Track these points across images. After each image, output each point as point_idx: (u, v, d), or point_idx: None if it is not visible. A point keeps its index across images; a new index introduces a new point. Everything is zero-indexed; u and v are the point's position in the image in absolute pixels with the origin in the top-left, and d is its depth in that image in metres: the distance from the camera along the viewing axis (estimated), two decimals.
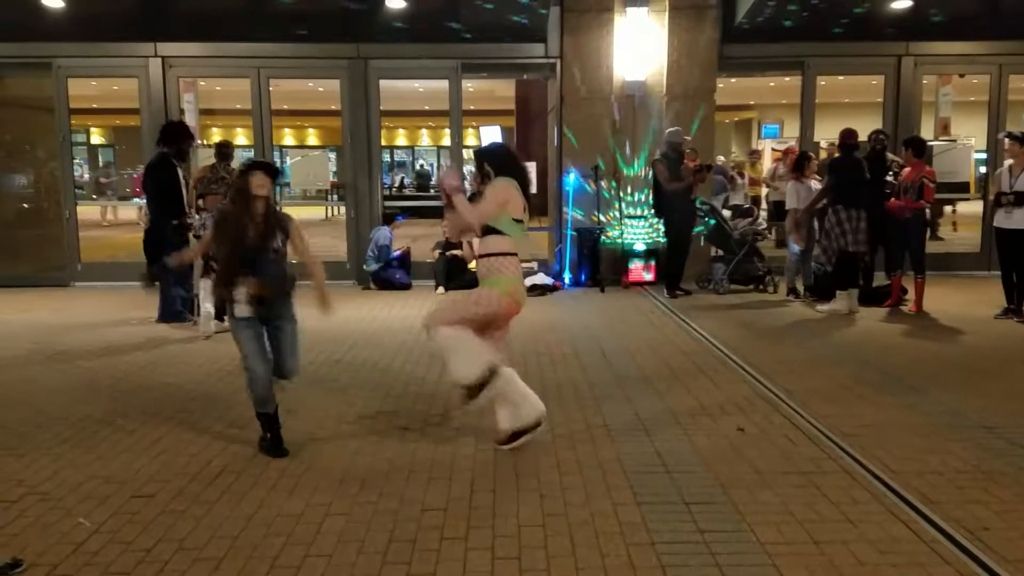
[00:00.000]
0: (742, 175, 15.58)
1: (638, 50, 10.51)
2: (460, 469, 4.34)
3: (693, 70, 10.63)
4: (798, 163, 9.66)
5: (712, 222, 10.23)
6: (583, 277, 10.78)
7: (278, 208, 4.93)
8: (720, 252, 10.51)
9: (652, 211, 10.45)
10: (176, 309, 8.40)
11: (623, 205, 10.74)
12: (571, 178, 10.78)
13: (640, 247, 10.69)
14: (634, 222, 10.75)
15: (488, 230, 4.56)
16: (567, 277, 10.89)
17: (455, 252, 10.33)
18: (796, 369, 6.42)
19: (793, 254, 9.67)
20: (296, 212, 17.65)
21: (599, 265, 10.67)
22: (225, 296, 4.56)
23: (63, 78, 10.88)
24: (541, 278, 10.64)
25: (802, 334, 7.84)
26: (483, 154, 4.81)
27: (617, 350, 7.13)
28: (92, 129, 28.75)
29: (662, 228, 10.30)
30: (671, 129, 9.96)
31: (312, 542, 3.52)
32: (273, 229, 4.57)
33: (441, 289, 10.41)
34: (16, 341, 7.61)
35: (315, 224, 20.75)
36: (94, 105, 20.88)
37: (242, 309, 4.52)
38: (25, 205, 12.14)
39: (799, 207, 9.28)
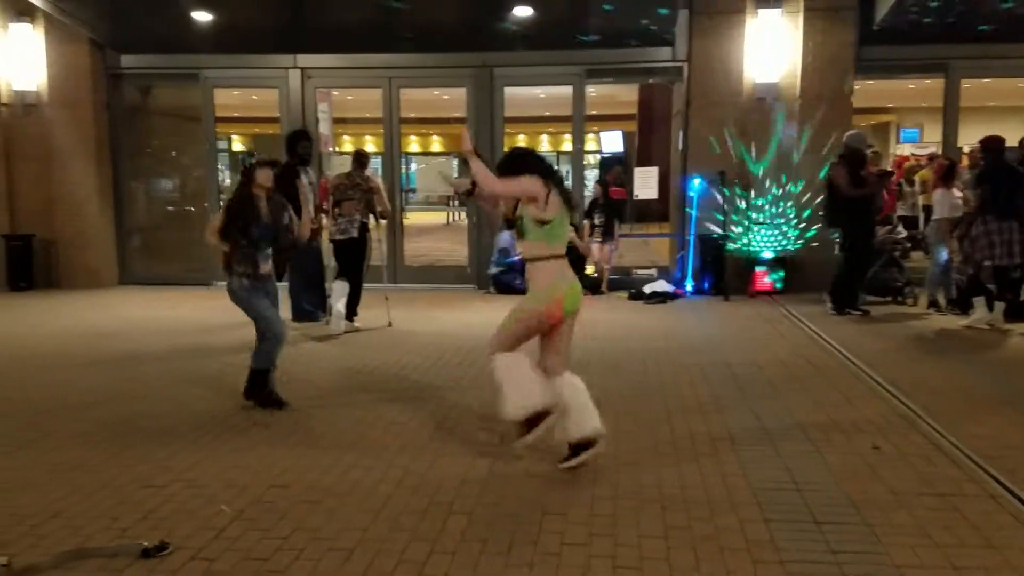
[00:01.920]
0: (912, 182, 14.24)
1: (770, 52, 10.23)
2: (581, 476, 4.33)
3: (828, 73, 10.25)
4: (948, 172, 9.14)
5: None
6: (706, 285, 10.57)
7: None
8: None
9: (826, 220, 9.58)
10: (306, 309, 8.75)
11: (751, 211, 10.46)
12: (695, 183, 10.58)
13: (768, 255, 10.38)
14: (762, 229, 10.45)
15: (520, 234, 4.42)
16: (689, 285, 10.69)
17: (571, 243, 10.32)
18: (936, 386, 6.08)
19: (937, 265, 9.17)
20: (419, 217, 18.11)
21: (723, 273, 10.42)
22: (247, 270, 5.41)
23: (210, 88, 11.57)
24: (662, 285, 10.49)
25: (943, 349, 7.41)
26: (506, 159, 4.60)
27: (742, 361, 6.94)
28: (233, 137, 30.40)
29: (837, 238, 9.43)
30: (852, 132, 9.41)
31: (436, 539, 3.59)
32: (279, 210, 5.58)
33: None
34: (162, 337, 8.13)
35: (436, 229, 21.25)
36: (235, 114, 22.07)
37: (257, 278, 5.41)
38: (171, 208, 12.95)
39: (945, 216, 8.84)
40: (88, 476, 4.34)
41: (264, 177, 5.51)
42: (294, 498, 4.04)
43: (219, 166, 14.27)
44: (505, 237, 10.90)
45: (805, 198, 10.38)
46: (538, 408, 4.26)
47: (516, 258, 10.92)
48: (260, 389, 5.58)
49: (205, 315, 9.35)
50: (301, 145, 8.56)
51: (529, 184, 4.30)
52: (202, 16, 10.49)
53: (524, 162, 4.46)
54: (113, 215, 11.58)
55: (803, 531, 3.65)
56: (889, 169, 10.06)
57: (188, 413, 5.52)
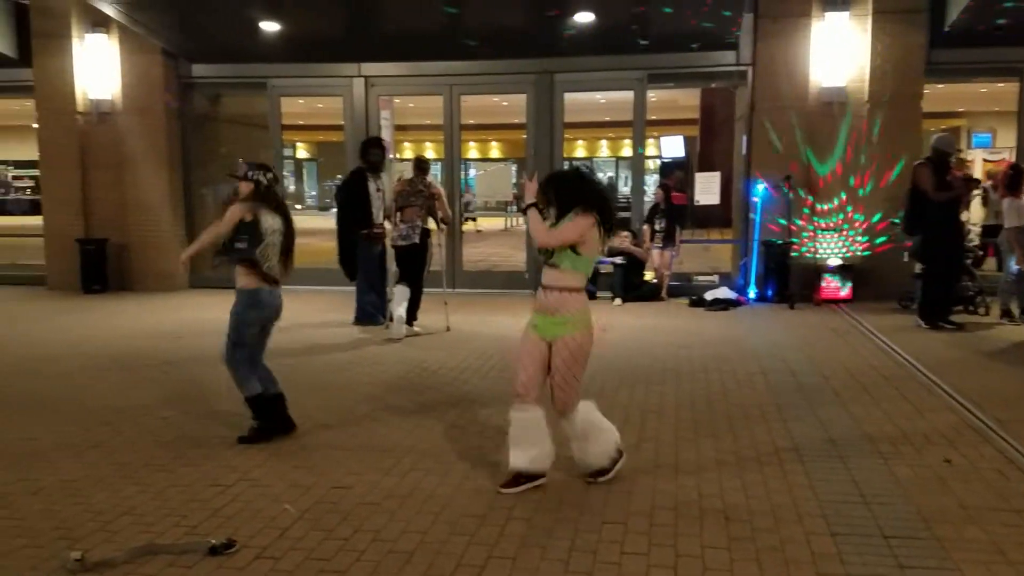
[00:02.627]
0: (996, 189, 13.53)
1: (837, 56, 10.01)
2: (641, 485, 4.28)
3: (898, 76, 9.99)
4: (1013, 180, 8.80)
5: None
6: (770, 292, 10.37)
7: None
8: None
9: (904, 226, 9.09)
10: (369, 312, 8.88)
11: (816, 217, 10.24)
12: (759, 188, 10.41)
13: (835, 261, 10.15)
14: (829, 235, 10.22)
15: (553, 264, 4.21)
16: (752, 292, 10.51)
17: (628, 250, 10.27)
18: (1009, 398, 5.85)
19: (1010, 274, 8.84)
20: (484, 222, 18.08)
21: (788, 280, 10.22)
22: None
23: (276, 97, 11.82)
24: (724, 292, 10.34)
25: (1016, 360, 7.14)
26: (549, 181, 4.36)
27: (808, 371, 6.79)
28: (297, 144, 31.06)
29: (916, 244, 8.94)
30: (939, 135, 9.06)
31: (495, 544, 3.60)
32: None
33: (619, 300, 10.37)
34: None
35: (494, 234, 21.34)
36: (300, 121, 22.55)
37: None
38: None
39: (1015, 225, 8.52)
40: (157, 474, 4.47)
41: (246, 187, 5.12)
42: (356, 499, 4.10)
43: (284, 173, 14.61)
44: None
45: (873, 203, 10.12)
46: (618, 448, 4.37)
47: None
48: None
49: None
50: (372, 153, 8.71)
51: (584, 228, 4.13)
52: (270, 26, 10.73)
53: (580, 194, 4.22)
54: (183, 220, 11.91)
55: (870, 545, 3.55)
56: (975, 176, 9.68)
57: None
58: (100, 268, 11.38)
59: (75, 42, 11.23)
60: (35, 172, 13.09)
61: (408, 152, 25.26)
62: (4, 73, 11.82)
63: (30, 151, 13.72)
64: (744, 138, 10.83)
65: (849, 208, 10.18)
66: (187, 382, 6.54)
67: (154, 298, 10.95)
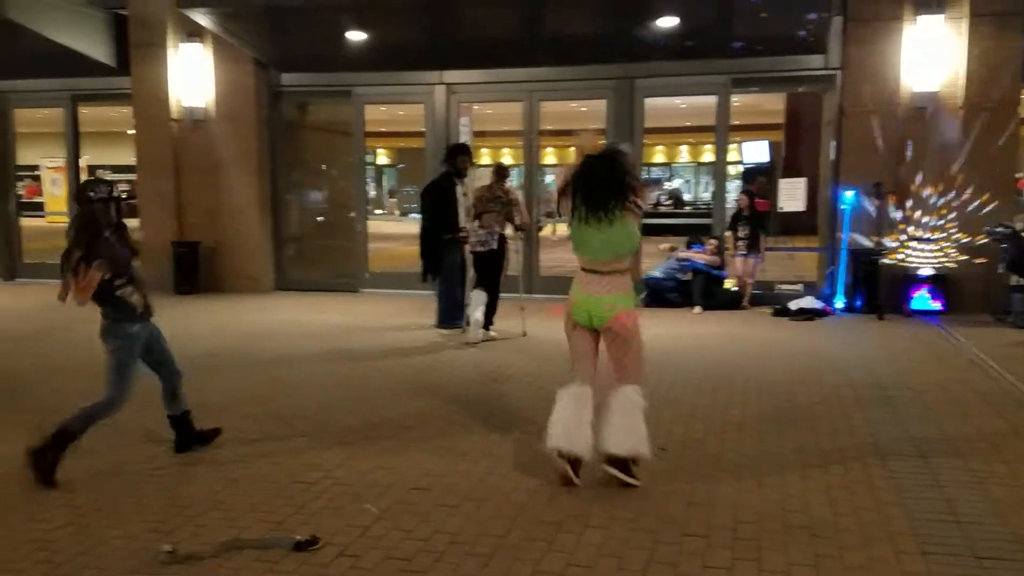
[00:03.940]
0: None
1: (930, 60, 9.65)
2: (722, 498, 4.20)
3: (994, 81, 9.56)
4: None
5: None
6: (858, 302, 10.04)
7: None
8: (1022, 281, 9.31)
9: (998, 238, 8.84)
10: (452, 315, 8.96)
11: (908, 225, 9.88)
12: (848, 195, 10.10)
13: (926, 271, 9.76)
14: (921, 244, 9.84)
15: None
16: (839, 302, 10.20)
17: (699, 259, 10.12)
18: None
19: None
20: (550, 228, 18.22)
21: (877, 290, 9.87)
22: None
23: (361, 104, 12.07)
24: (809, 301, 10.06)
25: None
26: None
27: (897, 384, 6.55)
28: (378, 150, 31.59)
29: (1012, 255, 8.65)
30: None
31: (572, 551, 3.58)
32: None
33: (698, 308, 10.21)
34: (312, 340, 8.52)
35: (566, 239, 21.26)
36: (381, 128, 22.94)
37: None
38: (320, 219, 13.57)
39: None
40: (244, 470, 4.60)
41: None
42: (433, 501, 4.14)
43: (366, 179, 14.89)
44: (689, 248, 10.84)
45: (966, 212, 9.70)
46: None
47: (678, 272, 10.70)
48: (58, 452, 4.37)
49: (352, 320, 9.73)
50: (460, 159, 8.81)
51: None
52: (355, 36, 10.97)
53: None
54: (271, 224, 12.26)
55: (962, 566, 3.41)
56: None
57: (335, 413, 5.75)
58: (192, 270, 11.79)
59: (171, 51, 11.69)
60: (131, 176, 13.65)
61: (485, 158, 25.44)
62: (103, 81, 12.36)
63: (126, 156, 14.35)
64: (832, 143, 10.53)
65: (941, 216, 9.79)
66: (272, 381, 6.71)
67: (241, 299, 11.30)
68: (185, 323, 9.48)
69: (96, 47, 11.72)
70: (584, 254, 4.40)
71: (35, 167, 23.59)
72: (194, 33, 11.54)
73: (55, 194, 21.30)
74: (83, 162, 14.64)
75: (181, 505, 4.10)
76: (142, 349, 4.61)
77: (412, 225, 10.32)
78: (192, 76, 11.74)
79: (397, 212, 22.57)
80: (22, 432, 4.66)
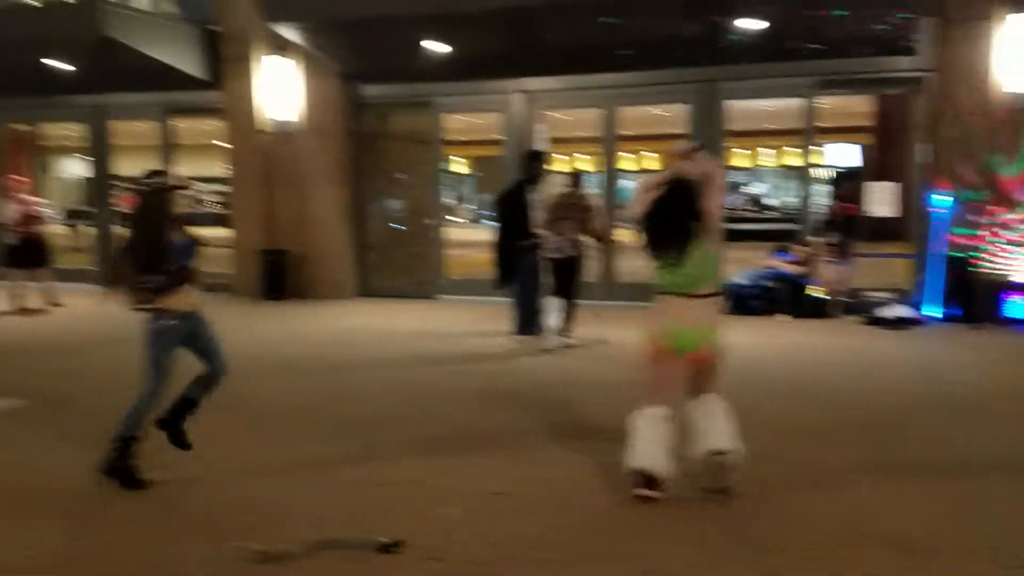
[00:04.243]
0: None
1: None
2: (804, 509, 4.08)
3: None
4: None
5: None
6: (952, 311, 9.64)
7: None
8: None
9: None
10: (528, 323, 8.96)
11: (1005, 230, 9.44)
12: (940, 199, 9.71)
13: (1022, 279, 9.30)
14: (1018, 250, 9.39)
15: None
16: (932, 310, 9.80)
17: (787, 269, 9.85)
18: None
19: None
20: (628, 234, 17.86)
21: (972, 298, 9.45)
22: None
23: (440, 114, 12.23)
24: (901, 310, 9.70)
25: None
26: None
27: (996, 395, 6.27)
28: (453, 158, 31.94)
29: None
30: None
31: (652, 562, 3.53)
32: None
33: (785, 316, 9.95)
34: (391, 345, 8.64)
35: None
36: (459, 137, 23.18)
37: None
38: (398, 226, 13.77)
39: None
40: (329, 472, 4.70)
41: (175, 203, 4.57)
42: (514, 507, 4.15)
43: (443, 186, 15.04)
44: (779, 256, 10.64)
45: None
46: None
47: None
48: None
49: (430, 326, 9.84)
50: (533, 166, 8.84)
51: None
52: (434, 46, 11.11)
53: None
54: (353, 232, 12.52)
55: None
56: None
57: (415, 418, 5.82)
58: (280, 277, 12.12)
59: (259, 65, 12.06)
60: (220, 187, 14.11)
61: (561, 165, 25.42)
62: (196, 95, 12.82)
63: (215, 167, 14.83)
64: (923, 146, 10.15)
65: None
66: (354, 384, 6.83)
67: (325, 305, 11.54)
68: (272, 328, 9.77)
69: (189, 62, 12.18)
70: (669, 285, 4.33)
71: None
72: (282, 47, 11.87)
73: None
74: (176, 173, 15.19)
75: (272, 504, 4.20)
76: (181, 341, 4.47)
77: (487, 232, 10.36)
78: (280, 89, 12.08)
79: (466, 218, 22.79)
80: None
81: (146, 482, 4.36)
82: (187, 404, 4.62)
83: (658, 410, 4.27)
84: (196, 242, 4.64)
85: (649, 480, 4.15)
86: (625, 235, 12.70)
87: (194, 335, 4.52)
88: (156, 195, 4.41)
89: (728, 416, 4.25)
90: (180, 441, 4.62)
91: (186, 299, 4.45)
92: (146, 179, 4.48)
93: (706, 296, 4.26)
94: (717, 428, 4.20)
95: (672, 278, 4.28)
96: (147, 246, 4.32)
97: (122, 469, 4.33)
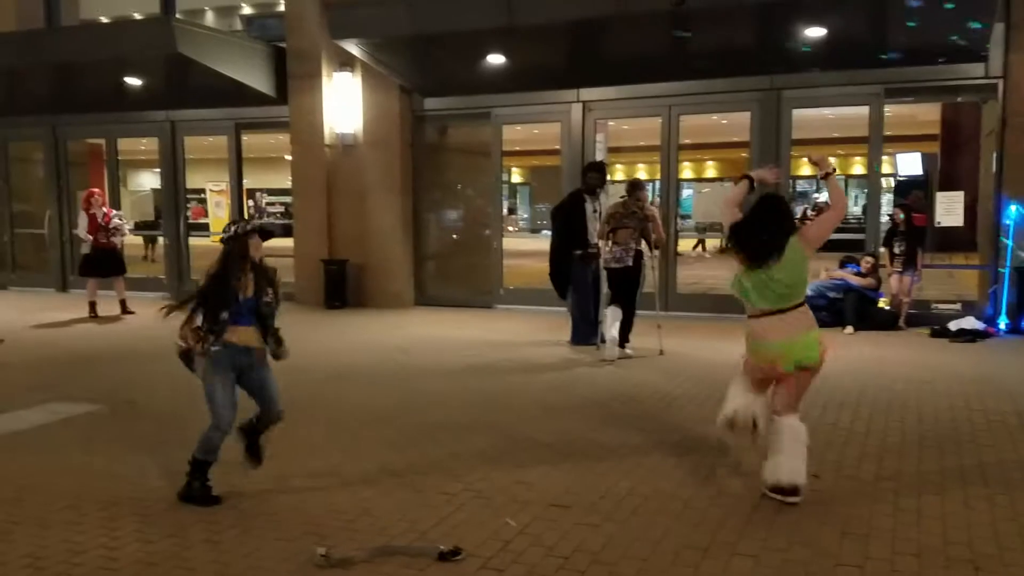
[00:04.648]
0: None
1: None
2: (878, 527, 4.00)
3: None
4: None
5: None
6: (1022, 325, 9.32)
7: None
8: None
9: None
10: (585, 332, 8.96)
11: None
12: (1012, 209, 9.41)
13: None
14: None
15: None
16: (1003, 323, 9.50)
17: (851, 280, 9.63)
18: None
19: None
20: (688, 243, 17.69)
21: None
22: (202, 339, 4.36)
23: (499, 125, 12.33)
24: (970, 322, 9.43)
25: None
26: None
27: None
28: (512, 169, 32.14)
29: None
30: None
31: None
32: (261, 283, 4.50)
33: (850, 328, 9.74)
34: (450, 354, 8.69)
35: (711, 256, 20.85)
36: (516, 148, 23.31)
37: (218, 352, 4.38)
38: (456, 237, 13.92)
39: None
40: (392, 479, 4.77)
41: (256, 246, 4.52)
42: (574, 519, 4.15)
43: (501, 197, 15.15)
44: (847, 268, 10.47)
45: None
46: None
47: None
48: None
49: (488, 335, 9.88)
50: (590, 176, 8.89)
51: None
52: (494, 59, 11.23)
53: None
54: (412, 242, 12.68)
55: None
56: None
57: (474, 427, 5.86)
58: (341, 286, 12.35)
59: (325, 81, 12.34)
60: (284, 199, 14.46)
61: (620, 174, 25.34)
62: (263, 110, 13.18)
63: (281, 180, 15.20)
64: (994, 155, 9.85)
65: None
66: (415, 393, 6.91)
67: (384, 314, 11.71)
68: (334, 336, 9.94)
69: (258, 78, 12.52)
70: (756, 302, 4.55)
71: (201, 190, 25.44)
72: (346, 63, 12.12)
73: (219, 215, 22.96)
74: (244, 186, 15.63)
75: (335, 511, 4.29)
76: (236, 374, 4.47)
77: (544, 242, 10.39)
78: (343, 104, 12.34)
79: (515, 228, 22.97)
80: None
81: (218, 499, 4.43)
82: (251, 433, 4.65)
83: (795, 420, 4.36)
84: (275, 289, 4.55)
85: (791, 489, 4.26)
86: (684, 245, 12.66)
87: (247, 372, 4.51)
88: (236, 240, 4.43)
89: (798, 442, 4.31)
90: (256, 454, 4.68)
91: (242, 335, 4.43)
92: (233, 224, 4.54)
93: (795, 308, 4.39)
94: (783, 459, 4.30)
95: (760, 293, 4.39)
96: (217, 292, 4.37)
97: (198, 492, 4.43)
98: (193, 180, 17.89)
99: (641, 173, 23.85)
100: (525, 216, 33.53)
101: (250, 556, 3.78)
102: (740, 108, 11.41)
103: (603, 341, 8.44)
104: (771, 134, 10.75)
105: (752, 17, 9.60)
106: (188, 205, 16.09)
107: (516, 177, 33.85)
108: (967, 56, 9.59)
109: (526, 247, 16.45)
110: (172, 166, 14.35)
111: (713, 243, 21.89)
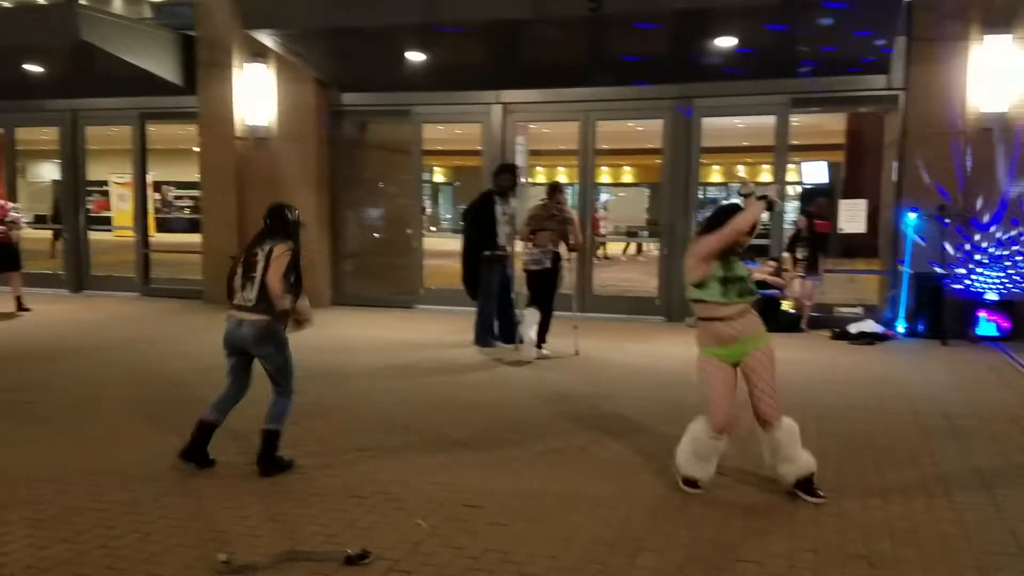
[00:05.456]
0: None
1: (998, 80, 9.40)
2: (778, 524, 4.12)
3: None
4: None
5: None
6: (921, 327, 9.78)
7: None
8: None
9: None
10: (486, 334, 8.98)
11: (973, 249, 9.61)
12: (911, 217, 9.87)
13: (993, 297, 9.48)
14: (987, 268, 9.56)
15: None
16: (901, 326, 9.95)
17: (767, 280, 9.91)
18: None
19: None
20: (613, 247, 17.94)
21: (941, 315, 9.60)
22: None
23: (419, 124, 12.24)
24: (870, 325, 9.83)
25: None
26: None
27: (963, 413, 6.35)
28: (434, 168, 32.01)
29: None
30: None
31: (625, 574, 3.55)
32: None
33: None
34: (368, 355, 8.60)
35: (624, 260, 21.21)
36: (438, 147, 23.22)
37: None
38: (377, 235, 13.77)
39: None
40: (300, 483, 4.67)
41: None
42: (486, 519, 4.14)
43: (423, 196, 15.05)
44: None
45: None
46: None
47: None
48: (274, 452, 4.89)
49: (407, 336, 9.81)
50: (502, 177, 8.91)
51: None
52: (414, 56, 11.14)
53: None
54: (329, 240, 12.47)
55: None
56: None
57: (390, 428, 5.80)
58: None
59: (236, 71, 12.02)
60: (194, 192, 14.05)
61: (541, 176, 25.51)
62: (171, 100, 12.76)
63: (190, 173, 14.75)
64: (894, 165, 10.32)
65: (1009, 240, 9.50)
66: (330, 395, 6.79)
67: None
68: None
69: (165, 67, 12.12)
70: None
71: (104, 183, 24.45)
72: (259, 53, 11.83)
73: (122, 209, 22.09)
74: (149, 178, 15.09)
75: (240, 516, 4.17)
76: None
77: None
78: (256, 95, 12.04)
79: (434, 228, 23.01)
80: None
81: (291, 463, 4.87)
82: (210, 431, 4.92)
83: (721, 439, 4.52)
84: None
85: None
86: (614, 248, 12.76)
87: None
88: (300, 224, 5.07)
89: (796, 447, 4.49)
90: (204, 459, 4.91)
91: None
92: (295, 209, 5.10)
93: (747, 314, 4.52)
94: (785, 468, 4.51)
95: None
96: (295, 270, 4.91)
97: (275, 461, 4.81)
98: (98, 172, 17.19)
99: (562, 177, 24.05)
100: (448, 216, 33.42)
101: (149, 562, 3.64)
102: (654, 115, 11.63)
103: (521, 342, 8.48)
104: (682, 142, 10.99)
105: (664, 25, 9.79)
106: (90, 198, 15.44)
107: (439, 176, 33.71)
108: (870, 68, 10.01)
109: (448, 247, 16.47)
110: (73, 157, 13.76)
111: (646, 246, 22.26)
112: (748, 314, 4.47)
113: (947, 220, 9.65)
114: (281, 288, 4.75)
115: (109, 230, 20.29)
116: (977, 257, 9.62)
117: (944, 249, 9.73)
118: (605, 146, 13.44)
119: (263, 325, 4.79)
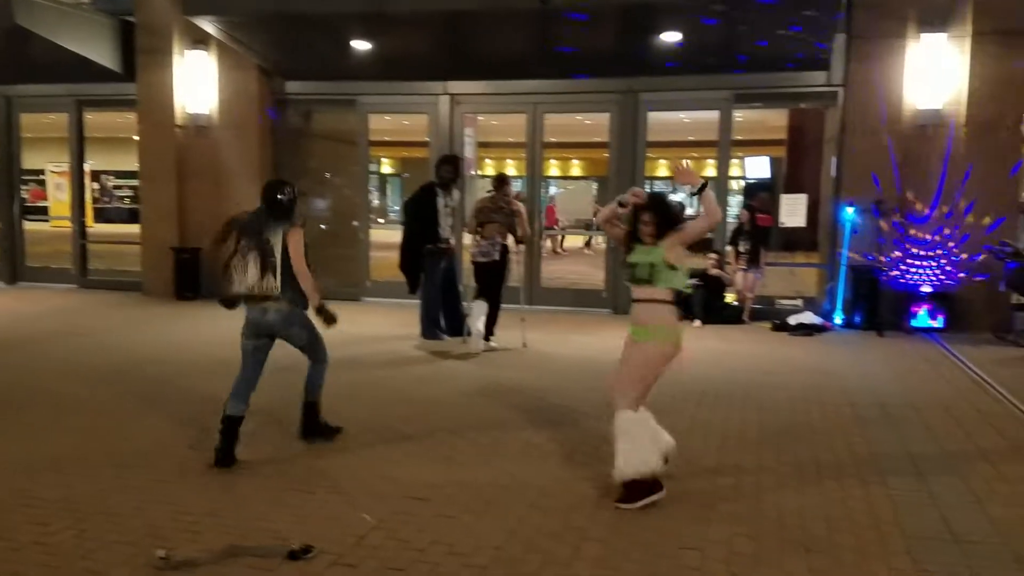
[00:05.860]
0: None
1: (933, 78, 9.69)
2: (720, 512, 4.20)
3: (998, 100, 9.58)
4: None
5: (1015, 265, 9.10)
6: (857, 319, 10.05)
7: None
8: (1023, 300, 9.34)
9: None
10: (432, 327, 8.95)
11: (909, 242, 9.90)
12: (849, 211, 10.12)
13: (927, 289, 9.78)
14: (921, 261, 9.86)
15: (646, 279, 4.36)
16: (839, 318, 10.20)
17: (710, 272, 10.07)
18: None
19: None
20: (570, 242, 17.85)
21: (877, 307, 9.88)
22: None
23: (365, 114, 12.11)
24: (809, 317, 10.07)
25: None
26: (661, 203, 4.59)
27: (898, 402, 6.54)
28: (383, 160, 31.75)
29: (1015, 274, 8.63)
30: None
31: (569, 564, 3.58)
32: None
33: (699, 322, 10.19)
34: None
35: (572, 253, 21.33)
36: (386, 138, 23.04)
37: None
38: (324, 227, 13.59)
39: None
40: (243, 478, 4.61)
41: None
42: (432, 511, 4.14)
43: (369, 187, 14.91)
44: None
45: (969, 230, 9.72)
46: (656, 467, 4.24)
47: None
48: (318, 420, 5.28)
49: (353, 328, 9.63)
50: (444, 169, 8.86)
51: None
52: (361, 45, 11.01)
53: (675, 216, 4.55)
54: None
55: None
56: None
57: (337, 421, 5.71)
58: (193, 276, 11.79)
59: (176, 58, 11.74)
60: (134, 182, 13.72)
61: (490, 169, 25.52)
62: (109, 87, 12.41)
63: (130, 162, 14.37)
64: (833, 160, 10.56)
65: (943, 234, 9.81)
66: (273, 389, 6.68)
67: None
68: (189, 329, 9.49)
69: (103, 53, 11.78)
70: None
71: (40, 171, 23.68)
72: (200, 40, 11.59)
73: (60, 198, 21.43)
74: (87, 167, 14.67)
75: (179, 512, 4.09)
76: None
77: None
78: (197, 83, 11.79)
79: (381, 220, 22.86)
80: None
81: (338, 429, 5.29)
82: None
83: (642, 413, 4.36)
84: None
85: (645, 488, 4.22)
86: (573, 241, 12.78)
87: None
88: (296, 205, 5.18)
89: (635, 442, 4.30)
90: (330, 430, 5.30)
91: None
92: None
93: (651, 301, 4.39)
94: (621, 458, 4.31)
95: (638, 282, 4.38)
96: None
97: (324, 428, 5.20)
98: (34, 160, 16.65)
99: (510, 169, 24.08)
100: (395, 208, 33.17)
101: (86, 559, 3.56)
102: (600, 109, 11.71)
103: (469, 334, 8.47)
104: (628, 135, 11.09)
105: (611, 18, 9.86)
106: (25, 187, 14.95)
107: (387, 168, 33.43)
108: (810, 64, 10.22)
109: (395, 239, 16.35)
110: (7, 145, 13.30)
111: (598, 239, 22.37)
112: (642, 303, 4.37)
113: (883, 214, 9.92)
114: (309, 272, 5.04)
115: (46, 220, 19.67)
116: (912, 250, 9.91)
117: (880, 242, 10.01)
118: (553, 139, 13.48)
119: (289, 311, 5.04)
